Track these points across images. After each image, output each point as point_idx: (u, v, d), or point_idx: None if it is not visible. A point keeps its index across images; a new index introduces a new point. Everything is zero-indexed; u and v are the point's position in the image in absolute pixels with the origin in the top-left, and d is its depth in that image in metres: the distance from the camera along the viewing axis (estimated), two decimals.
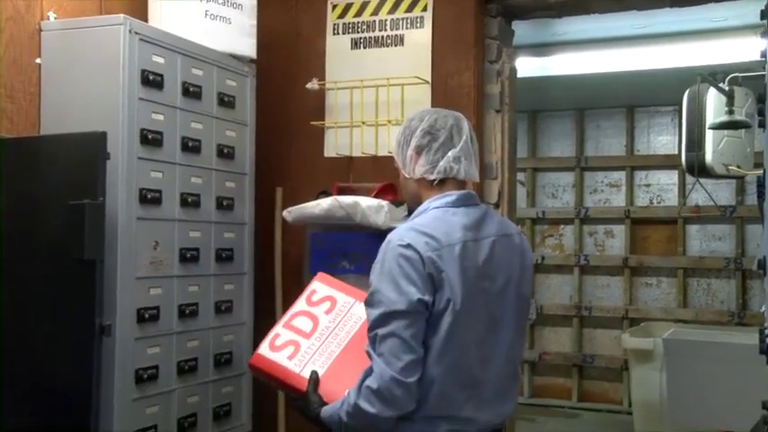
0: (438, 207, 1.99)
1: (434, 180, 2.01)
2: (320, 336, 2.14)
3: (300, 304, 2.25)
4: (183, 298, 2.91)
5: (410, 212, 2.09)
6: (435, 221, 1.95)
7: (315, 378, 2.06)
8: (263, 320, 3.34)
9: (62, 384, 2.55)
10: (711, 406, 4.43)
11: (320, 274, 2.32)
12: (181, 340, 2.90)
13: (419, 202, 2.04)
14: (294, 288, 3.46)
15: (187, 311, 2.91)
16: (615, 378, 6.35)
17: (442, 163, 2.00)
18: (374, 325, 1.86)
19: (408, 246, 1.87)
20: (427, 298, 1.84)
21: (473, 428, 1.92)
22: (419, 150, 2.01)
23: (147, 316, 2.73)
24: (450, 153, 2.00)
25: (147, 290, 2.75)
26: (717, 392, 4.38)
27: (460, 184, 2.04)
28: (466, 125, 2.06)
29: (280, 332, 2.20)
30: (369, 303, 1.89)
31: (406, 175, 2.06)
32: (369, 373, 1.86)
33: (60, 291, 2.58)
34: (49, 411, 2.57)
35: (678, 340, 4.89)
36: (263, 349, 2.18)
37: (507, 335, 1.99)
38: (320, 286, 2.28)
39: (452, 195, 2.00)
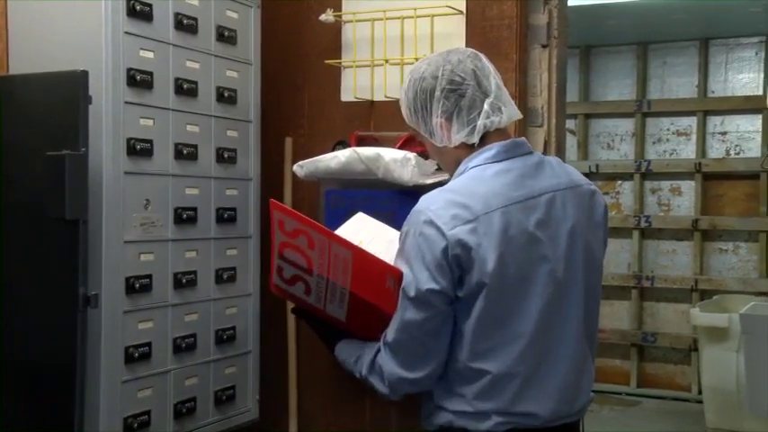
0: (477, 165, 1.99)
1: (476, 141, 2.01)
2: (320, 274, 2.18)
3: (279, 236, 2.25)
4: (179, 265, 2.95)
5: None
6: (471, 183, 1.95)
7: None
8: (272, 291, 3.38)
9: (40, 363, 2.61)
10: None
11: (273, 202, 2.30)
12: (177, 314, 2.95)
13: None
14: None
15: (184, 281, 2.95)
16: (682, 360, 6.38)
17: (480, 121, 1.98)
18: (398, 302, 1.96)
19: (430, 222, 1.88)
20: (440, 287, 1.87)
21: (536, 422, 1.93)
22: (448, 116, 1.99)
23: (137, 286, 2.77)
24: (485, 105, 1.99)
25: (137, 255, 2.79)
26: None
27: (503, 133, 2.04)
28: (485, 60, 2.04)
29: (281, 265, 2.27)
30: None
31: (438, 144, 2.05)
32: (385, 341, 1.99)
33: (37, 256, 2.62)
34: (25, 393, 2.64)
35: (759, 316, 4.88)
36: (277, 281, 2.32)
37: (578, 308, 1.98)
38: (283, 217, 2.26)
39: (492, 149, 1.99)
